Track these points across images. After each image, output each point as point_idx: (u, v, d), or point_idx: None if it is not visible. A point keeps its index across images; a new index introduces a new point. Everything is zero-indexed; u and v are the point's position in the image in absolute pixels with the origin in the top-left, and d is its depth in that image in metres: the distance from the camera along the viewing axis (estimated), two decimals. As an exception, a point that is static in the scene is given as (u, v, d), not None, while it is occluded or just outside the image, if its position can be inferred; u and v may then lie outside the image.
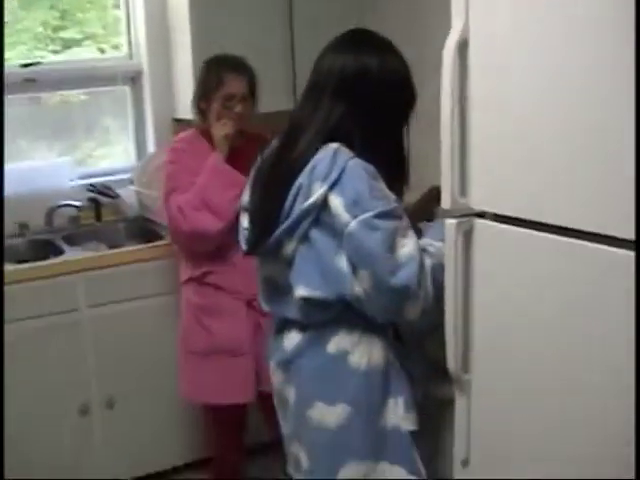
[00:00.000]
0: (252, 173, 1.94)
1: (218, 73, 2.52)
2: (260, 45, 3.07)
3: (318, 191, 1.69)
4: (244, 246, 1.90)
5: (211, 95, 2.53)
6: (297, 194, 1.73)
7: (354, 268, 1.69)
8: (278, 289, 1.88)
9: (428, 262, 1.72)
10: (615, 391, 1.45)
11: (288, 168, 1.76)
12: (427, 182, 2.06)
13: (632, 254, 1.37)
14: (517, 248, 1.62)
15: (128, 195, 3.34)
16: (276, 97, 2.94)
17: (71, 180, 3.31)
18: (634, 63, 1.30)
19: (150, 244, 3.04)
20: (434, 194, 1.93)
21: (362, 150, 1.74)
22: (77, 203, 3.23)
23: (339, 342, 1.81)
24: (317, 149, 1.73)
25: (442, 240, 1.76)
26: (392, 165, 1.82)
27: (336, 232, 1.70)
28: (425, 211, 2.09)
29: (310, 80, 1.86)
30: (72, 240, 3.13)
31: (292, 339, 1.87)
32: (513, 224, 1.61)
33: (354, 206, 1.67)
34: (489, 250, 1.68)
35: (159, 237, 3.09)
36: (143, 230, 3.28)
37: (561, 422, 1.58)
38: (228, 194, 2.40)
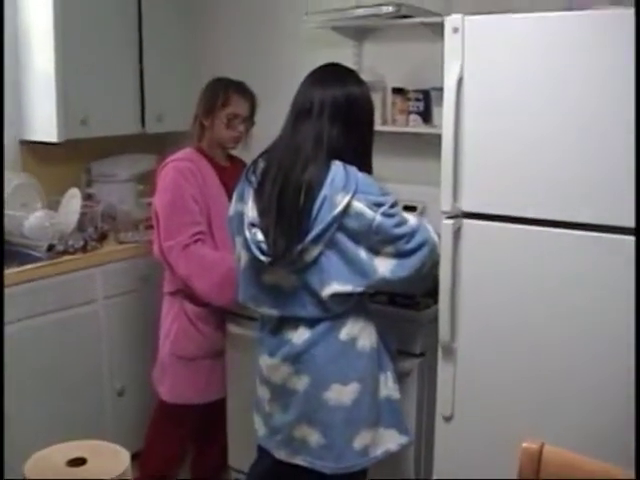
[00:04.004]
0: (250, 193, 2.18)
1: (225, 92, 2.66)
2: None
3: (343, 200, 2.02)
4: (264, 257, 2.09)
5: (216, 112, 2.66)
6: (322, 205, 2.04)
7: (376, 252, 2.06)
8: (283, 293, 2.15)
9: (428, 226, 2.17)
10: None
11: (307, 185, 2.05)
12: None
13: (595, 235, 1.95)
14: (497, 240, 2.13)
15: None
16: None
17: None
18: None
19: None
20: None
21: (354, 162, 2.11)
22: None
23: (349, 330, 2.15)
24: (328, 166, 2.07)
25: None
26: (370, 172, 2.20)
27: (355, 231, 2.05)
28: None
29: (296, 110, 2.18)
30: None
31: (302, 334, 2.15)
32: (492, 220, 2.12)
33: (374, 205, 2.05)
34: (475, 243, 2.17)
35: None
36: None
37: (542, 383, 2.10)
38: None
